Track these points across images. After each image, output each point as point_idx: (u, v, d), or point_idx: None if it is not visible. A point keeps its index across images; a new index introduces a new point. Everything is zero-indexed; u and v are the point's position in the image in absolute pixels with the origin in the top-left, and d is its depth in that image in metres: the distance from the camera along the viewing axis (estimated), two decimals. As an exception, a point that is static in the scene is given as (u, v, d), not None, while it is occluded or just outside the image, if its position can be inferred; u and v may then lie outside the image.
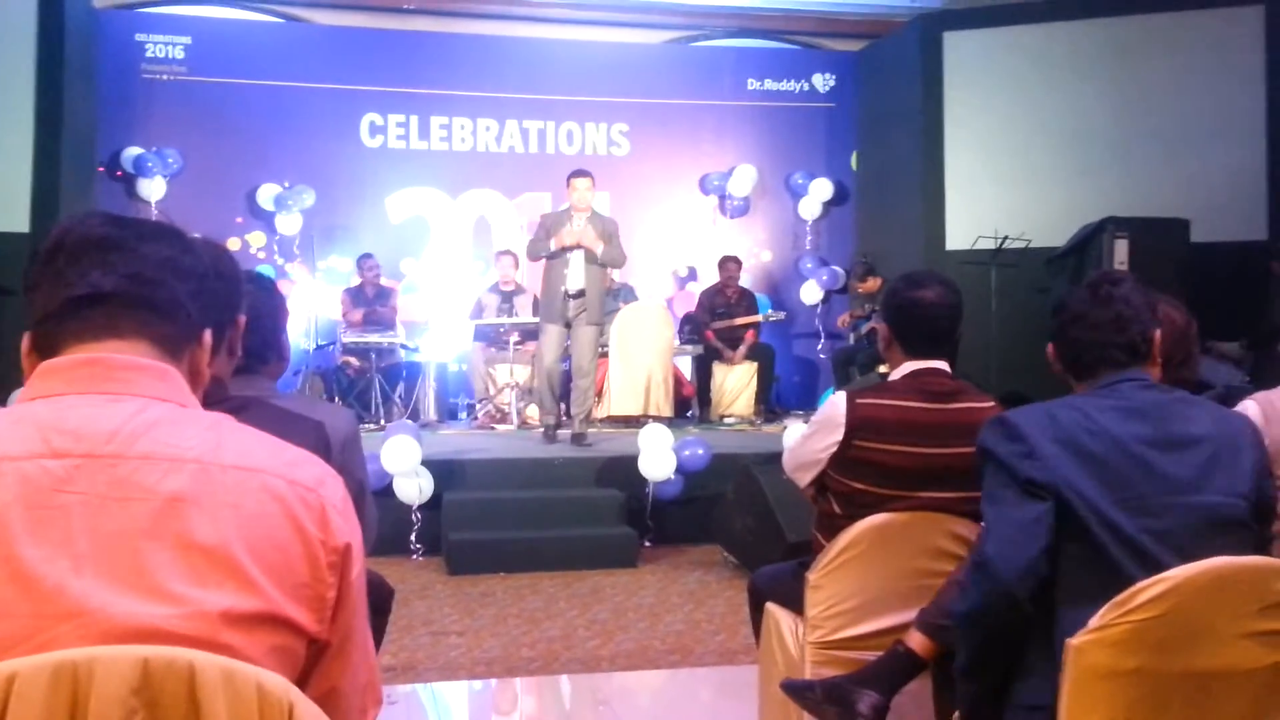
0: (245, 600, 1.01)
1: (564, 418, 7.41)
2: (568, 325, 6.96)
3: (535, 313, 7.77)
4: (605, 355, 8.41)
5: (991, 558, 1.83)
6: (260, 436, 1.13)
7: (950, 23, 9.08)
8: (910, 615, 2.57)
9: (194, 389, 1.18)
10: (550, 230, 6.98)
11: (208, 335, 1.21)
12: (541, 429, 7.26)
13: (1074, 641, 1.70)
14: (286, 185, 9.27)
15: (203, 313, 1.20)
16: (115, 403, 1.06)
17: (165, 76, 9.20)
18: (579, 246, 6.85)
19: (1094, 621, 1.69)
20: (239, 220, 9.27)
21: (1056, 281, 7.82)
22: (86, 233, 1.13)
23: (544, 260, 7.03)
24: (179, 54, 9.21)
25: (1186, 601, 1.65)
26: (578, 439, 7.03)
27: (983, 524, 1.97)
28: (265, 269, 9.15)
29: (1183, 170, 8.28)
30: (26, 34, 7.61)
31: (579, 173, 7.07)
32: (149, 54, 9.17)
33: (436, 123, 9.76)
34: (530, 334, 7.87)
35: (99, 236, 1.13)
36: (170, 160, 9.02)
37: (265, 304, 2.35)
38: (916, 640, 2.37)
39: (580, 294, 6.88)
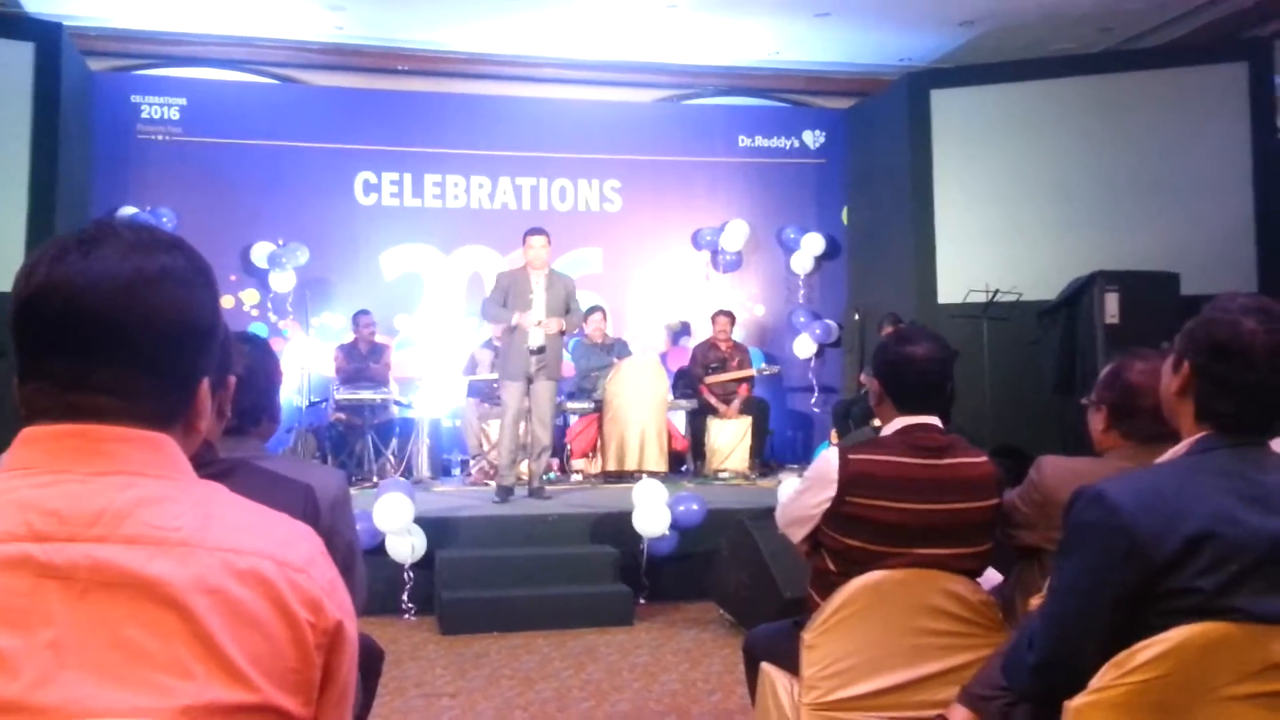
0: (234, 692, 0.98)
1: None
2: (528, 380, 6.91)
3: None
4: (598, 410, 8.40)
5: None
6: (251, 511, 1.08)
7: (938, 81, 9.20)
8: (907, 675, 2.54)
9: (188, 446, 1.12)
10: (508, 291, 6.94)
11: (204, 387, 1.12)
12: (498, 492, 7.03)
13: (1072, 703, 1.67)
14: (280, 243, 9.30)
15: (206, 367, 1.12)
16: (100, 478, 1.01)
17: (160, 137, 9.27)
18: (545, 333, 6.82)
19: (1093, 683, 1.67)
20: (233, 278, 9.29)
21: (1048, 335, 7.84)
22: (70, 298, 1.02)
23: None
24: (174, 115, 9.29)
25: (1186, 663, 1.63)
26: (536, 493, 7.01)
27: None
28: (259, 326, 9.17)
29: (1171, 223, 8.35)
30: (23, 95, 7.67)
31: (535, 230, 7.05)
32: (144, 115, 9.25)
33: (430, 180, 9.83)
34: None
35: (87, 307, 1.02)
36: (165, 219, 9.05)
37: (259, 365, 2.33)
38: (960, 715, 2.30)
39: (541, 350, 6.86)
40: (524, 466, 7.25)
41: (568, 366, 9.33)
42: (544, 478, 7.19)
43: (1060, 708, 1.72)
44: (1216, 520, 1.62)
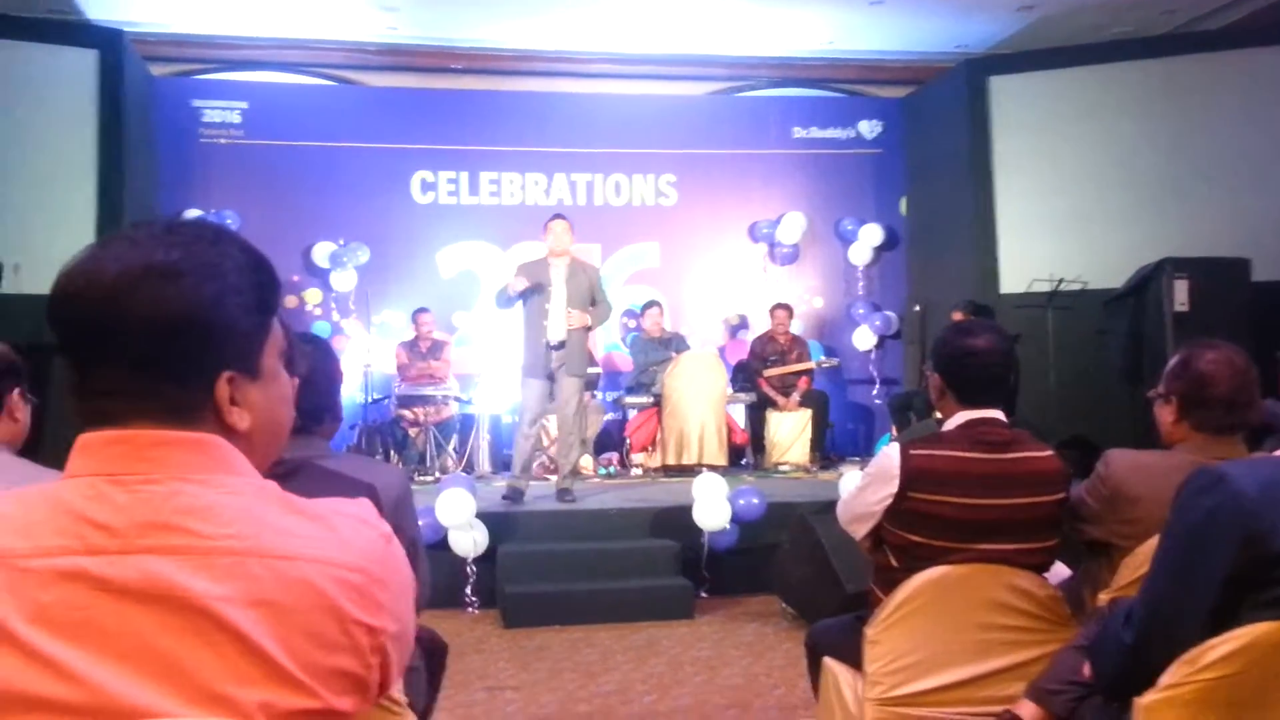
0: (289, 698, 0.98)
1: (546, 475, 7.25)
2: (551, 379, 6.62)
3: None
4: (657, 404, 8.41)
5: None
6: (308, 510, 1.07)
7: (996, 67, 9.06)
8: (973, 670, 2.51)
9: (244, 446, 1.09)
10: (527, 280, 6.56)
11: (222, 383, 1.07)
12: (509, 490, 6.72)
13: (1143, 701, 1.65)
14: (341, 243, 9.43)
15: (218, 362, 1.07)
16: (148, 485, 1.02)
17: (222, 140, 9.44)
18: (567, 326, 6.50)
19: (1164, 680, 1.64)
20: (295, 278, 9.43)
21: (1114, 323, 7.70)
22: (67, 302, 1.04)
23: (522, 310, 6.63)
24: (235, 118, 9.45)
25: (1258, 660, 1.60)
26: (562, 495, 6.73)
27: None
28: (321, 325, 9.31)
29: (1241, 209, 8.14)
30: (88, 103, 7.86)
31: (556, 216, 6.79)
32: (206, 119, 9.42)
33: (486, 178, 9.89)
34: (587, 383, 7.82)
35: (79, 310, 1.03)
36: (228, 221, 9.18)
37: (320, 365, 2.37)
38: (1027, 710, 2.28)
39: (561, 345, 6.55)
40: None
41: (624, 360, 9.36)
42: (569, 478, 6.89)
43: (1130, 704, 1.70)
44: None
